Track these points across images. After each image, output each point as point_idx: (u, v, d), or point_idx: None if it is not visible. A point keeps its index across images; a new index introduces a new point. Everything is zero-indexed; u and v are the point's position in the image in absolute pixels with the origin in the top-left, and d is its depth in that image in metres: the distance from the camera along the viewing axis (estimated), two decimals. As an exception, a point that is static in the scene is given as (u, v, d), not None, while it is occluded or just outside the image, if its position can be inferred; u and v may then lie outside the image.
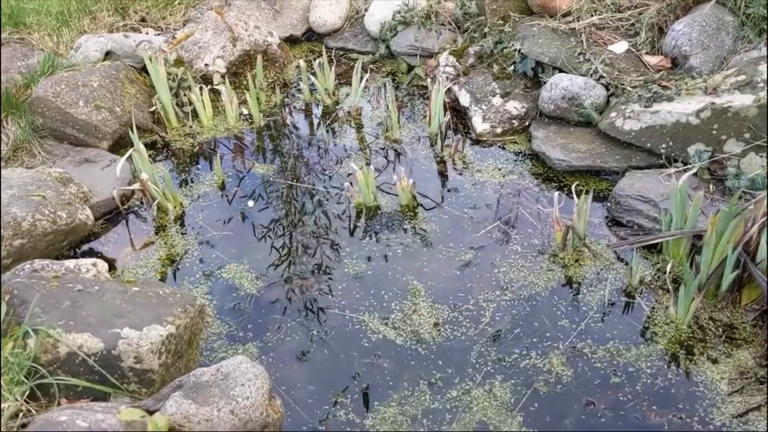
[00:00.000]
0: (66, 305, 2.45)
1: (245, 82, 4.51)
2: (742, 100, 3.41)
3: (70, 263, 2.88)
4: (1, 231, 2.83)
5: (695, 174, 3.45)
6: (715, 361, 2.76)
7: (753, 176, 3.31)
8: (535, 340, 2.90)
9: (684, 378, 2.71)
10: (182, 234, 3.54)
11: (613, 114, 3.75)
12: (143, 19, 4.98)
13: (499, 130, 4.09)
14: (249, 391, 2.23)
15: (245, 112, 4.46)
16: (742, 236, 2.84)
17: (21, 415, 2.13)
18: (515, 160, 3.93)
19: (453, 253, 3.35)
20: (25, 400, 2.18)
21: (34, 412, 2.16)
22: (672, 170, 3.48)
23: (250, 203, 3.73)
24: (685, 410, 2.59)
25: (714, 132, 3.46)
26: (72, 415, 2.04)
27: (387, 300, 3.11)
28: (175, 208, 3.68)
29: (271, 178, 3.92)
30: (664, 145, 3.58)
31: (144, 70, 4.47)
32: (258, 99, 4.52)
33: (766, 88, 3.36)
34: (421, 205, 3.67)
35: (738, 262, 2.86)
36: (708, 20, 3.87)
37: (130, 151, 3.60)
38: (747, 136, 3.40)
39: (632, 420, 2.57)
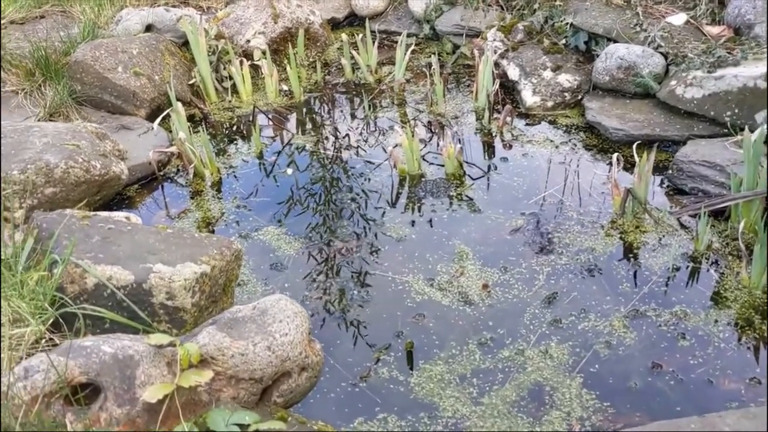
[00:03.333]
0: (96, 240, 2.31)
1: (286, 60, 4.40)
2: (820, 62, 3.18)
3: (103, 213, 2.76)
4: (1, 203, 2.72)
5: (765, 142, 3.21)
6: (795, 326, 2.50)
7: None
8: (593, 303, 2.68)
9: (760, 343, 2.46)
10: (219, 199, 3.41)
11: (674, 82, 3.54)
12: (184, 1, 4.93)
13: (549, 104, 3.90)
14: (287, 328, 2.06)
15: (285, 88, 4.35)
16: (823, 193, 2.60)
17: (44, 341, 1.98)
18: (568, 133, 3.74)
19: (502, 219, 3.16)
20: (48, 329, 2.03)
21: (57, 341, 2.01)
22: (739, 137, 3.24)
23: (289, 171, 3.59)
24: (763, 375, 2.34)
25: (784, 96, 3.23)
26: (97, 341, 1.88)
27: (432, 263, 2.92)
28: (212, 174, 3.55)
29: (311, 149, 3.78)
30: (728, 113, 3.35)
31: (184, 45, 4.39)
32: (299, 76, 4.41)
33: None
34: (468, 175, 3.48)
35: (819, 222, 2.62)
36: (775, -13, 3.66)
37: (168, 110, 3.49)
38: (821, 100, 3.17)
39: (703, 384, 2.33)
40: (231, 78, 4.27)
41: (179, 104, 3.47)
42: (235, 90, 4.29)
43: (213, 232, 3.17)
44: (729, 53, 3.48)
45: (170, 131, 3.73)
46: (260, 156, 3.74)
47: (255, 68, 4.37)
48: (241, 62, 4.22)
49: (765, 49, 3.41)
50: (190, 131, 3.54)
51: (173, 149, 3.54)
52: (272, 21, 4.51)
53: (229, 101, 4.26)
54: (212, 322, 2.08)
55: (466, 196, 3.33)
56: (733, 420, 1.93)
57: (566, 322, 2.60)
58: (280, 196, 3.40)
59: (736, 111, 3.33)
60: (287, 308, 2.11)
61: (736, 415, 1.96)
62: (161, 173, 3.57)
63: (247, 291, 2.80)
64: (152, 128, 3.68)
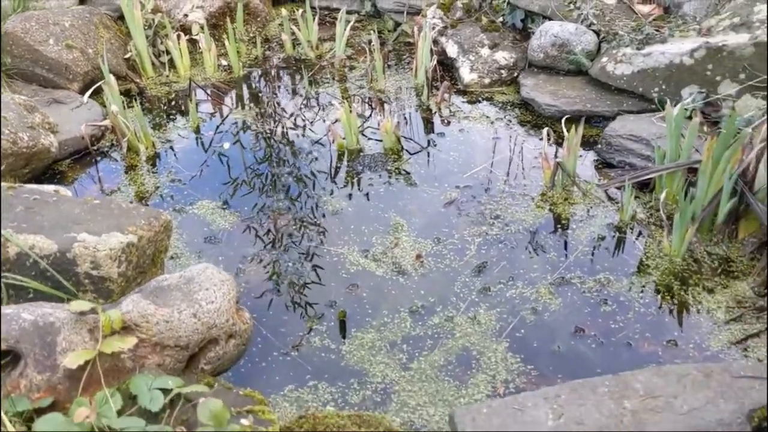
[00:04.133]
0: (19, 210, 2.27)
1: (225, 35, 4.35)
2: (737, 39, 3.30)
3: (30, 185, 2.70)
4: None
5: (689, 117, 3.32)
6: (711, 291, 2.61)
7: (748, 117, 3.18)
8: (521, 271, 2.75)
9: (679, 308, 2.57)
10: (153, 173, 3.37)
11: (605, 59, 3.63)
12: (122, -28, 4.82)
13: (487, 81, 3.96)
14: (214, 296, 2.06)
15: (224, 63, 4.31)
16: (739, 164, 2.71)
17: (-39, 311, 1.94)
18: (503, 109, 3.80)
19: (437, 192, 3.20)
20: (-33, 299, 1.99)
21: (-24, 311, 1.97)
22: (675, 108, 3.34)
23: (226, 145, 3.57)
24: (681, 338, 2.44)
25: (708, 73, 3.34)
26: (17, 309, 1.86)
27: (368, 235, 2.95)
28: (147, 148, 3.51)
29: (249, 124, 3.76)
30: (656, 89, 3.46)
31: (120, 18, 4.31)
32: (238, 51, 4.37)
33: (766, 28, 3.25)
34: (406, 150, 3.52)
35: (735, 192, 2.73)
36: (702, -32, 3.77)
37: (100, 82, 3.43)
38: (742, 76, 3.29)
39: (623, 346, 2.42)
40: (168, 53, 4.21)
41: (112, 77, 3.40)
42: (172, 65, 4.23)
43: (146, 206, 3.13)
44: (657, 31, 3.58)
45: (105, 105, 3.66)
46: (197, 131, 3.71)
47: (193, 43, 4.32)
48: (179, 36, 4.16)
49: (691, 27, 3.51)
50: (125, 105, 3.48)
51: (106, 123, 3.48)
52: (211, -5, 4.45)
53: (167, 76, 4.20)
54: (138, 291, 2.07)
55: (403, 170, 3.36)
56: (645, 377, 2.01)
57: (495, 290, 2.67)
58: (216, 171, 3.38)
59: (664, 87, 3.43)
60: (214, 276, 2.11)
61: (649, 372, 2.04)
62: (95, 148, 3.51)
63: (180, 264, 2.79)
64: (85, 102, 3.61)
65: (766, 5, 3.36)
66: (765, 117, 2.78)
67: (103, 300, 2.21)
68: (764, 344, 2.39)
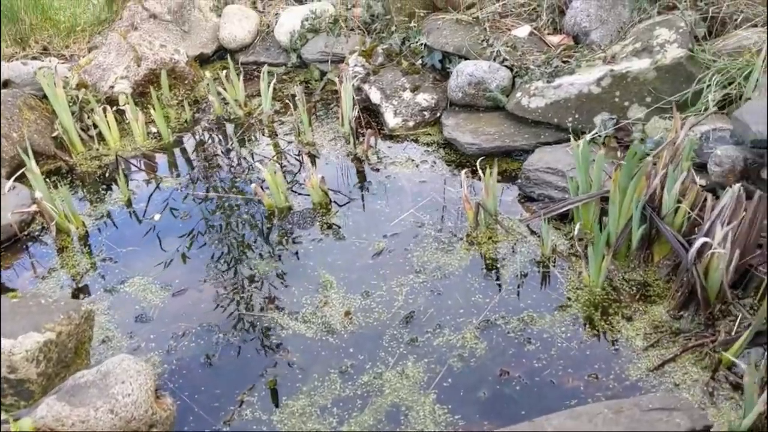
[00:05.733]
0: (-68, 320, 2.28)
1: (152, 102, 4.39)
2: (639, 65, 3.41)
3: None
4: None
5: (603, 143, 3.43)
6: (629, 319, 2.69)
7: (657, 139, 3.29)
8: (448, 317, 2.80)
9: (599, 339, 2.64)
10: (85, 254, 3.38)
11: (519, 94, 3.73)
12: (45, 49, 4.86)
13: (411, 123, 4.04)
14: (130, 388, 2.08)
15: (154, 130, 4.34)
16: (645, 191, 2.80)
17: None
18: (428, 151, 3.87)
19: (366, 244, 3.25)
20: None
21: None
22: (580, 142, 3.44)
23: (157, 217, 3.59)
24: (601, 369, 2.51)
25: (616, 99, 3.45)
26: (-73, 428, 1.86)
27: (297, 295, 2.99)
28: (77, 228, 3.52)
29: (180, 191, 3.79)
30: (570, 119, 3.56)
31: (46, 97, 4.33)
32: (167, 116, 4.41)
33: (665, 52, 3.38)
34: (335, 201, 3.57)
35: (644, 218, 2.82)
36: (604, -4, 3.90)
37: (22, 170, 3.44)
38: (648, 100, 3.40)
39: (547, 385, 2.48)
40: (96, 126, 4.23)
41: (33, 163, 3.42)
42: (102, 138, 4.25)
43: (78, 288, 3.15)
44: (566, 62, 3.69)
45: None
46: (128, 204, 3.73)
47: (121, 113, 4.35)
48: (105, 109, 4.19)
49: (596, 55, 3.63)
50: (54, 185, 3.49)
51: (34, 208, 3.49)
52: (135, 64, 4.49)
53: (97, 149, 4.22)
54: (55, 392, 2.08)
55: (333, 224, 3.41)
56: (559, 421, 2.07)
57: (422, 340, 2.71)
58: (147, 245, 3.39)
59: (577, 116, 3.54)
60: (130, 368, 2.13)
61: (562, 416, 2.09)
62: (25, 233, 3.51)
63: (112, 347, 2.80)
64: (12, 188, 3.62)
65: (664, 29, 3.48)
66: (666, 143, 2.87)
67: (25, 401, 2.22)
68: (680, 368, 2.46)
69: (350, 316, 2.86)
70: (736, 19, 3.52)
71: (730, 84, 3.22)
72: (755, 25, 3.44)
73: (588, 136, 3.04)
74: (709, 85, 3.22)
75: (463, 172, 3.25)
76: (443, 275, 3.01)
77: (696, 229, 2.76)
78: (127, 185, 3.78)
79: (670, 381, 2.42)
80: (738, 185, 2.56)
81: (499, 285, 2.93)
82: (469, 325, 2.75)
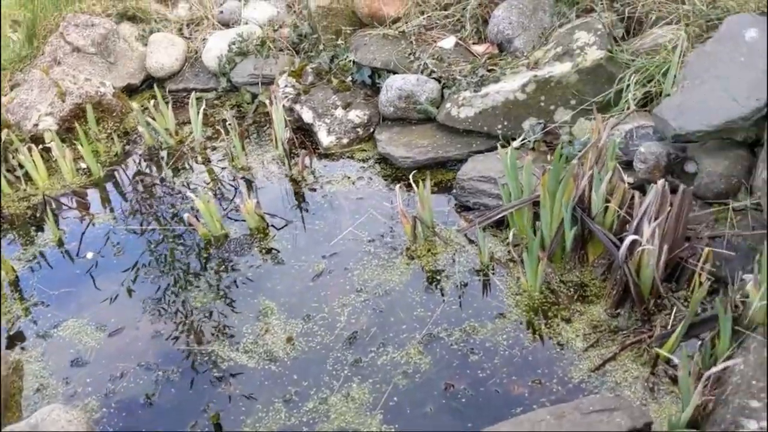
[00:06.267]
0: None
1: (81, 136, 4.28)
2: (562, 69, 3.47)
3: None
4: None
5: (533, 148, 3.47)
6: (569, 321, 2.71)
7: (584, 140, 3.34)
8: (391, 334, 2.79)
9: (541, 343, 2.65)
10: (16, 299, 3.26)
11: (448, 105, 3.75)
12: (-35, 90, 4.70)
13: (345, 141, 4.03)
14: (61, 440, 2.00)
15: (84, 166, 4.23)
16: (574, 193, 2.83)
17: None
18: (364, 167, 3.86)
19: (306, 266, 3.22)
20: None
21: None
22: (507, 150, 3.48)
23: (89, 255, 3.49)
24: (545, 374, 2.52)
25: (542, 104, 3.50)
26: None
27: (237, 325, 2.94)
28: (6, 274, 3.40)
29: (113, 227, 3.69)
30: (499, 126, 3.59)
31: (-33, 140, 4.18)
32: (96, 151, 4.31)
33: (585, 54, 3.44)
34: (272, 225, 3.53)
35: (576, 220, 2.85)
36: (524, 2, 3.96)
37: (-59, 219, 3.31)
38: (573, 102, 3.46)
39: (492, 394, 2.48)
40: (22, 166, 4.10)
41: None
42: (29, 178, 4.12)
43: (9, 336, 3.03)
44: (491, 70, 3.73)
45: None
46: (60, 244, 3.62)
47: (48, 151, 4.23)
48: (30, 148, 4.06)
49: (520, 62, 3.68)
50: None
51: (-43, 257, 3.35)
52: (59, 100, 4.38)
53: (25, 190, 4.09)
54: (-18, 450, 1.99)
55: (271, 248, 3.37)
56: (503, 431, 2.07)
57: (366, 360, 2.69)
58: (80, 285, 3.29)
59: (506, 123, 3.57)
60: (61, 418, 2.06)
61: (506, 426, 2.10)
62: (-49, 284, 3.37)
63: (46, 395, 2.69)
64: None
65: (583, 32, 3.55)
66: (590, 144, 2.92)
67: (-49, 463, 2.11)
68: (620, 366, 2.48)
69: (292, 341, 2.82)
70: (651, 18, 3.61)
71: (649, 82, 3.30)
72: (669, 23, 3.53)
73: (516, 143, 3.09)
74: (629, 84, 3.29)
75: (398, 186, 3.24)
76: (384, 292, 3.00)
77: (626, 226, 2.81)
78: (57, 225, 3.67)
79: (611, 380, 2.45)
80: (662, 181, 2.62)
81: (441, 297, 2.93)
82: (413, 341, 2.74)
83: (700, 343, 2.44)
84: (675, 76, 3.22)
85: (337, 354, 2.74)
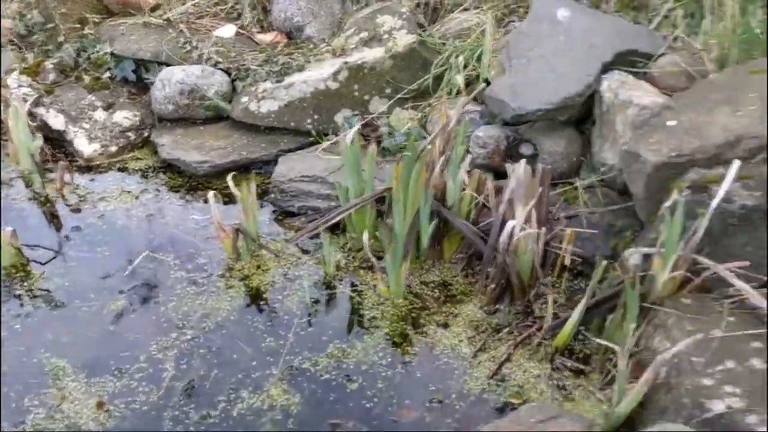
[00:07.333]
0: None
1: None
2: (374, 54, 3.18)
3: None
4: None
5: (352, 142, 3.10)
6: (446, 326, 2.39)
7: (405, 131, 3.07)
8: (241, 376, 2.20)
9: (423, 355, 2.28)
10: None
11: (245, 98, 3.23)
12: None
13: (113, 149, 3.26)
14: None
15: None
16: (427, 183, 2.52)
17: None
18: (146, 178, 3.15)
19: (97, 306, 2.46)
20: None
21: None
22: (327, 144, 3.08)
23: None
24: (440, 390, 2.16)
25: (356, 93, 3.17)
26: None
27: (17, 398, 2.11)
28: None
29: None
30: (309, 120, 3.18)
31: None
32: None
33: (395, 39, 3.17)
34: (34, 260, 2.68)
35: (432, 213, 2.54)
36: (311, -13, 3.60)
37: None
38: (388, 91, 3.18)
39: (388, 425, 2.05)
40: None
41: None
42: None
43: None
44: (291, 58, 3.29)
45: None
46: None
47: None
48: None
49: (324, 49, 3.30)
50: None
51: None
52: None
53: None
54: None
55: (41, 289, 2.54)
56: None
57: (217, 413, 2.08)
58: None
59: (316, 117, 3.17)
60: None
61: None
62: None
63: None
64: None
65: (387, 16, 3.30)
66: (438, 130, 2.64)
67: None
68: (518, 367, 2.22)
69: (105, 406, 2.09)
70: (448, 5, 3.48)
71: (465, 67, 3.13)
72: (467, 9, 3.43)
73: (350, 134, 2.66)
74: (449, 68, 3.09)
75: (211, 194, 2.62)
76: (216, 324, 2.39)
77: (481, 214, 2.58)
78: None
79: (513, 384, 2.17)
80: (523, 162, 2.42)
81: (290, 320, 2.41)
82: (271, 379, 2.19)
83: (600, 323, 2.25)
84: (489, 59, 3.09)
85: (174, 412, 2.08)
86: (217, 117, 3.32)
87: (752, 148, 2.18)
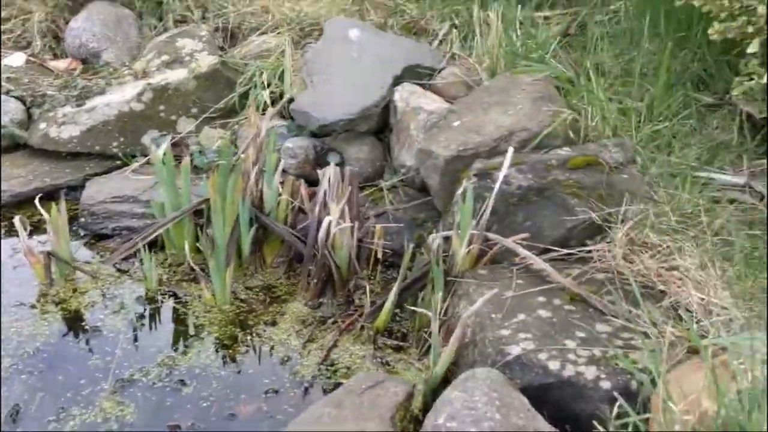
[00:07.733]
0: None
1: None
2: (177, 76, 3.26)
3: None
4: None
5: (163, 162, 3.13)
6: (274, 324, 2.50)
7: (216, 148, 3.16)
8: (69, 394, 2.16)
9: (256, 353, 2.38)
10: None
11: (43, 125, 3.14)
12: None
13: None
14: None
15: None
16: (244, 191, 2.64)
17: None
18: (-67, 213, 2.94)
19: None
20: None
21: None
22: (136, 165, 3.09)
23: None
24: (275, 381, 2.27)
25: (162, 114, 3.22)
26: None
27: None
28: None
29: None
30: (115, 143, 3.17)
31: None
32: None
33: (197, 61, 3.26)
34: None
35: (251, 220, 2.66)
36: (106, 15, 3.61)
37: None
38: (195, 111, 3.27)
39: (226, 421, 2.12)
40: None
41: None
42: None
43: None
44: (91, 83, 3.26)
45: None
46: None
47: None
48: None
49: (126, 72, 3.31)
50: None
51: None
52: None
53: None
54: None
55: None
56: (289, 441, 1.78)
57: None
58: None
59: (122, 139, 3.17)
60: None
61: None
62: None
63: None
64: None
65: (188, 40, 3.39)
66: (249, 141, 2.77)
67: None
68: (345, 351, 2.39)
69: None
70: (245, 29, 3.64)
71: (269, 85, 3.30)
72: (264, 33, 3.60)
73: (160, 150, 2.71)
74: (254, 86, 3.24)
75: (17, 218, 2.53)
76: (35, 350, 2.32)
77: (297, 219, 2.74)
78: None
79: (342, 366, 2.33)
80: (333, 164, 2.63)
81: (116, 337, 2.39)
82: (102, 393, 2.17)
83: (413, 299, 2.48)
84: (291, 78, 3.28)
85: (0, 440, 1.99)
86: (15, 146, 3.18)
87: (523, 139, 2.58)
